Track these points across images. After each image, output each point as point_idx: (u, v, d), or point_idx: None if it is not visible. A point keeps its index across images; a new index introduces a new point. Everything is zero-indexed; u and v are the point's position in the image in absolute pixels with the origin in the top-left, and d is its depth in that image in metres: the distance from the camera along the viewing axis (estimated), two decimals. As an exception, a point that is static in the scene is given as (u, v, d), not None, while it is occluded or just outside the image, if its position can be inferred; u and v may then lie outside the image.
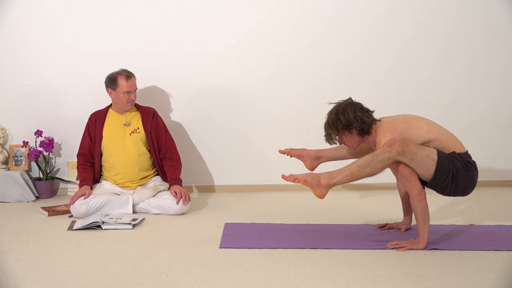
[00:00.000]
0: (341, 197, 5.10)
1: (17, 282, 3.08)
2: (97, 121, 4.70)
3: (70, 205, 4.39)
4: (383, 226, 4.05)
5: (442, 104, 5.37)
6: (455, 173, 3.53)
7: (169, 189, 4.59)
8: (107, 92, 4.67)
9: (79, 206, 4.37)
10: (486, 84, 5.41)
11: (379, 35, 5.32)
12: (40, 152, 5.08)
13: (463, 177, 3.56)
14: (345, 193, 5.24)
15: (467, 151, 3.66)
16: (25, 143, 5.12)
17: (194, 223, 4.25)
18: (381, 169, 3.48)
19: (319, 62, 5.31)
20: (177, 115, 5.32)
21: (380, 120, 3.71)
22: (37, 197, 5.09)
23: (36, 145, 5.11)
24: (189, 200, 4.51)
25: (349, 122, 3.64)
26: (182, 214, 4.50)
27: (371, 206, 4.75)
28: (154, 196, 4.57)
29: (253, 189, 5.38)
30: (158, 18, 5.22)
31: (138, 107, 4.79)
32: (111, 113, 4.73)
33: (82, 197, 4.39)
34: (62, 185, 5.30)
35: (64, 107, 5.24)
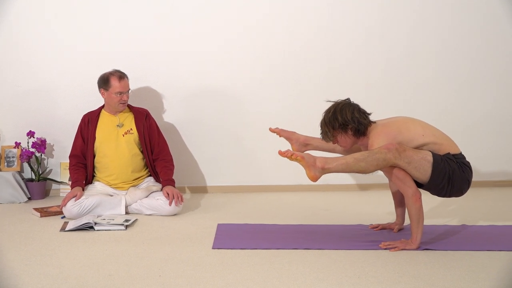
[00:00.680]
0: (334, 197, 5.11)
1: (9, 283, 3.06)
2: (90, 122, 4.69)
3: (62, 206, 4.39)
4: (376, 227, 4.06)
5: (436, 106, 5.38)
6: (451, 174, 3.54)
7: (161, 190, 4.58)
8: (100, 92, 4.66)
9: (71, 207, 4.36)
10: (477, 86, 5.42)
11: (373, 36, 5.32)
12: (32, 153, 5.06)
13: (458, 178, 3.57)
14: (338, 194, 5.24)
15: (461, 152, 3.68)
16: (17, 144, 5.10)
17: (186, 224, 4.25)
18: (375, 167, 3.48)
19: (313, 63, 5.31)
20: (169, 115, 5.31)
21: (375, 123, 3.73)
22: (29, 198, 5.07)
23: (28, 146, 5.10)
24: (181, 201, 4.51)
25: (346, 122, 3.65)
26: (174, 215, 4.49)
27: (364, 207, 4.76)
28: (146, 197, 4.57)
29: (246, 189, 5.38)
30: (152, 19, 5.21)
31: (131, 108, 4.78)
32: (104, 114, 4.73)
33: (74, 199, 4.39)
34: (54, 186, 5.29)
35: (57, 108, 5.23)
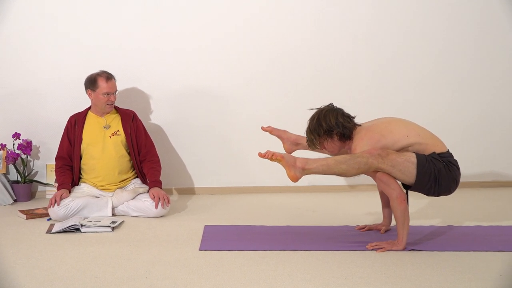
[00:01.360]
0: (321, 199, 5.12)
1: (-5, 285, 3.05)
2: (76, 123, 4.67)
3: (48, 207, 4.36)
4: (362, 228, 4.07)
5: (423, 106, 5.38)
6: (437, 174, 3.56)
7: (148, 191, 4.57)
8: (87, 93, 4.64)
9: (58, 209, 4.33)
10: (466, 86, 5.44)
11: (363, 36, 5.31)
12: (18, 155, 5.03)
13: (445, 177, 3.58)
14: (325, 195, 5.25)
15: (448, 150, 3.69)
16: (3, 146, 5.06)
17: (173, 226, 4.24)
18: (357, 170, 3.50)
19: (301, 64, 5.31)
20: (156, 117, 5.29)
21: (360, 125, 3.74)
22: (15, 200, 5.03)
23: (14, 147, 5.06)
24: (168, 202, 4.50)
25: (331, 127, 3.66)
26: (161, 216, 4.48)
27: (351, 208, 4.77)
28: (133, 198, 4.55)
29: (233, 191, 5.37)
30: (138, 19, 5.19)
31: (117, 110, 4.77)
32: (90, 116, 4.71)
33: (62, 200, 4.36)
34: (40, 188, 5.25)
35: (42, 110, 5.19)
